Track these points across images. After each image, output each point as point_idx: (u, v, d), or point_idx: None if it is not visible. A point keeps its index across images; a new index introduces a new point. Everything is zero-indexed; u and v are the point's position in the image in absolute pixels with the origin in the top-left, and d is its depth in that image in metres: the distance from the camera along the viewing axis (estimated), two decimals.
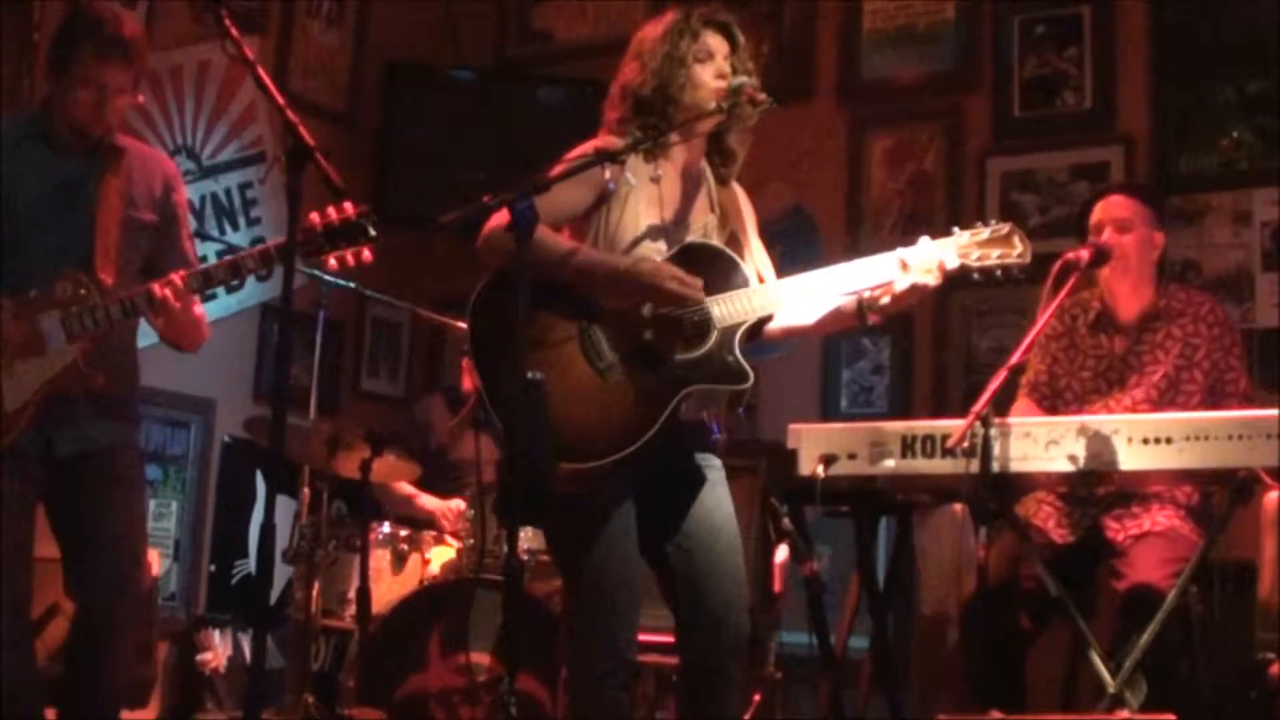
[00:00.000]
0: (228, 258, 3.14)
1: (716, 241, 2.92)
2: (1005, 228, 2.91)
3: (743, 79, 2.88)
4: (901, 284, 2.82)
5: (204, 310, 3.36)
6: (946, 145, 5.55)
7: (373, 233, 2.90)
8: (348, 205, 2.91)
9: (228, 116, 5.54)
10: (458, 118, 6.07)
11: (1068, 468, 3.20)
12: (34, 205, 3.17)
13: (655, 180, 2.92)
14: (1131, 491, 3.54)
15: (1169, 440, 3.11)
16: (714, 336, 2.80)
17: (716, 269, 2.85)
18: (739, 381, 2.80)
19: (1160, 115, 5.17)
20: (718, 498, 2.89)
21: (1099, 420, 3.27)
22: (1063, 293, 3.55)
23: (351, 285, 4.63)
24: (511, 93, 6.23)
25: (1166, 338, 3.68)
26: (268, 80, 2.72)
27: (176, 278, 3.10)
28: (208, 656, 5.08)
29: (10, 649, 3.08)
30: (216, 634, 5.15)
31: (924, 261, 2.83)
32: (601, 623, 2.78)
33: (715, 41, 2.93)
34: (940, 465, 3.26)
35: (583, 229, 2.90)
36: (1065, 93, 5.37)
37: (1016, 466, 3.21)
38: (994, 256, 2.88)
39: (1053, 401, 3.77)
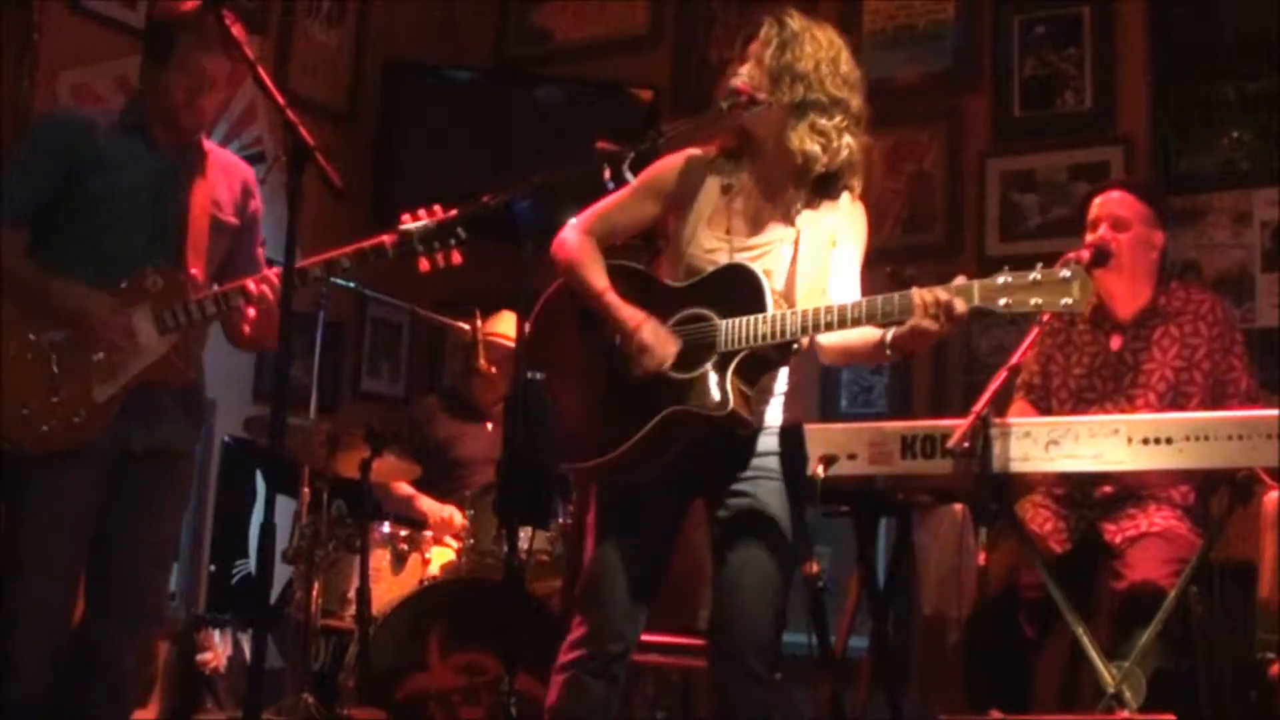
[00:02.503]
0: (324, 255, 3.12)
1: (751, 263, 2.85)
2: (1066, 273, 2.57)
3: (735, 80, 2.89)
4: (906, 325, 2.64)
5: None
6: (946, 145, 5.55)
7: (463, 234, 2.93)
8: (437, 208, 2.97)
9: (228, 116, 5.54)
10: (457, 117, 6.07)
11: (1068, 468, 3.20)
12: (128, 197, 3.14)
13: (726, 190, 2.94)
14: (1129, 493, 3.53)
15: (1169, 440, 3.10)
16: (712, 360, 2.78)
17: (742, 292, 2.80)
18: (714, 410, 2.74)
19: (1160, 115, 5.17)
20: (760, 505, 2.87)
21: (1099, 420, 3.27)
22: None
23: (351, 285, 4.63)
24: (511, 93, 6.23)
25: (1164, 336, 3.66)
26: (268, 80, 2.72)
27: (272, 274, 3.08)
28: (208, 656, 5.07)
29: (45, 656, 3.03)
30: (216, 634, 5.14)
31: (930, 305, 2.59)
32: (583, 610, 2.89)
33: (754, 47, 2.95)
34: (940, 465, 3.26)
35: (666, 237, 3.00)
36: (1065, 93, 5.37)
37: (1016, 466, 3.20)
38: (1030, 303, 2.58)
39: (1047, 402, 3.76)
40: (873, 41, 5.72)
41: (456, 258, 2.99)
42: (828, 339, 2.84)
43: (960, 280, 2.63)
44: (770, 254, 2.89)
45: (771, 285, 2.80)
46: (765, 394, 2.89)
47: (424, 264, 2.99)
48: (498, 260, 3.01)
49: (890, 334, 2.68)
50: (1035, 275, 2.58)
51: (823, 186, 2.92)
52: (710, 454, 2.85)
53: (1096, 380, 3.71)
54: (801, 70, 2.88)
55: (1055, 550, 3.57)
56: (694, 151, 3.00)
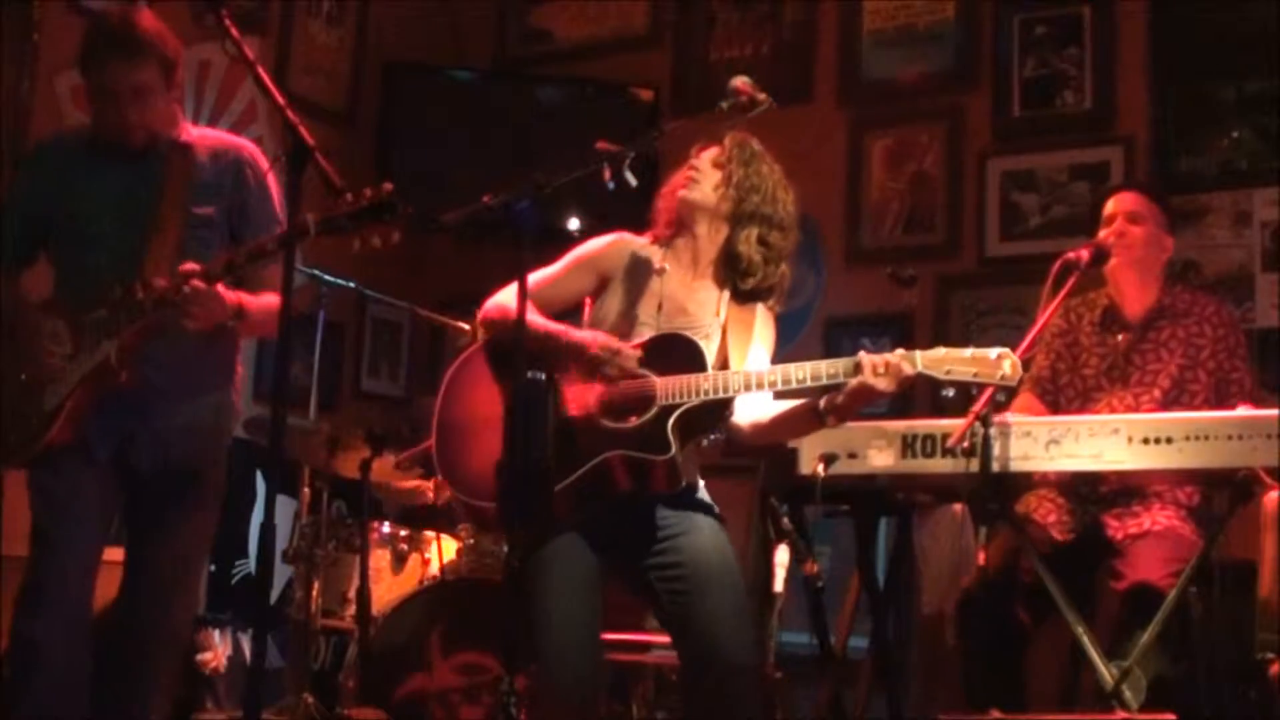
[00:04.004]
0: (250, 243, 3.05)
1: (691, 335, 2.91)
2: (994, 353, 2.74)
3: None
4: (853, 383, 2.76)
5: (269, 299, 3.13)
6: (946, 145, 5.56)
7: (400, 209, 2.75)
8: (387, 185, 2.79)
9: (228, 116, 5.54)
10: (458, 117, 6.07)
11: (1068, 467, 3.20)
12: (98, 215, 3.15)
13: (659, 273, 3.02)
14: (1133, 489, 3.54)
15: (1169, 440, 3.11)
16: (653, 411, 2.83)
17: (681, 356, 2.88)
18: (658, 453, 2.80)
19: (1160, 115, 5.17)
20: (705, 537, 2.92)
21: (1099, 420, 3.27)
22: (1062, 292, 3.55)
23: (351, 285, 4.63)
24: (511, 93, 6.24)
25: (1171, 337, 3.68)
26: (268, 80, 2.72)
27: (195, 279, 2.98)
28: (208, 656, 5.07)
29: (63, 646, 3.04)
30: (216, 634, 5.14)
31: (879, 365, 2.74)
32: (542, 655, 2.84)
33: (712, 154, 3.09)
34: (940, 465, 3.26)
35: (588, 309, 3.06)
36: (1065, 93, 5.37)
37: (1016, 466, 3.21)
38: (970, 374, 2.75)
39: (1055, 398, 3.77)
40: (873, 41, 5.73)
41: (395, 236, 2.80)
42: (747, 418, 2.95)
43: (902, 351, 2.77)
44: (697, 335, 2.94)
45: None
46: (691, 458, 2.96)
47: (357, 245, 2.82)
48: (498, 260, 3.00)
49: (824, 400, 2.82)
50: (969, 352, 2.76)
51: (746, 300, 3.04)
52: (636, 519, 2.90)
53: (1105, 380, 3.72)
54: (757, 184, 3.03)
55: (1057, 539, 3.57)
56: (629, 235, 3.08)
